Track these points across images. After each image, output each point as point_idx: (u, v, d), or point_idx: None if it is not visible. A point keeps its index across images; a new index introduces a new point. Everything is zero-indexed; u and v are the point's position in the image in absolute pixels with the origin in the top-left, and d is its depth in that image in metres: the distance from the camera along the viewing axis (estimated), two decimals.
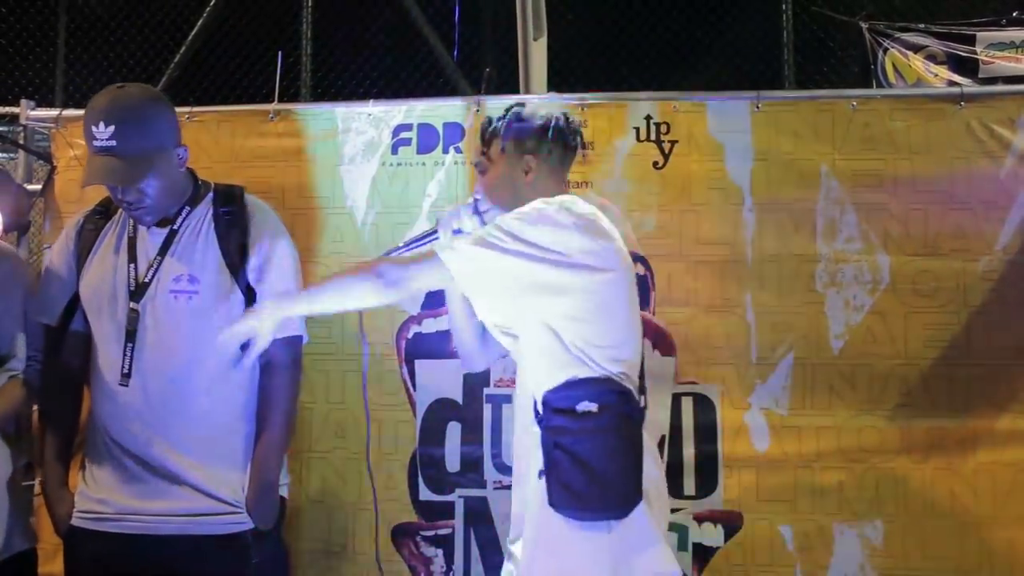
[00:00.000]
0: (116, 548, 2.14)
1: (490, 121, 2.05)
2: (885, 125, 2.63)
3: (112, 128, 2.07)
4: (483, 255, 1.83)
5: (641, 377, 1.93)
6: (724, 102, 2.70)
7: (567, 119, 2.04)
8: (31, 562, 2.45)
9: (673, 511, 2.57)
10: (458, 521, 2.67)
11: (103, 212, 2.31)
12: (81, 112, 2.18)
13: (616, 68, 6.02)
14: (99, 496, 2.17)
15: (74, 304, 2.27)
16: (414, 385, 2.71)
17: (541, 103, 2.54)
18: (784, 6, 5.71)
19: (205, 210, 2.25)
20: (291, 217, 2.64)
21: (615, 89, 3.69)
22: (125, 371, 2.15)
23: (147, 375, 2.15)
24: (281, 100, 2.90)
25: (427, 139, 2.77)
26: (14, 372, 2.32)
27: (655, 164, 2.68)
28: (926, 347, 2.58)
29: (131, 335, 2.16)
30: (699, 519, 2.60)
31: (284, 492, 2.31)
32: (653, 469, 1.90)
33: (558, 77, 3.96)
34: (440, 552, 2.67)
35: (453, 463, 2.69)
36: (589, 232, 1.85)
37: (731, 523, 2.59)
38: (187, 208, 2.24)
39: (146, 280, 2.18)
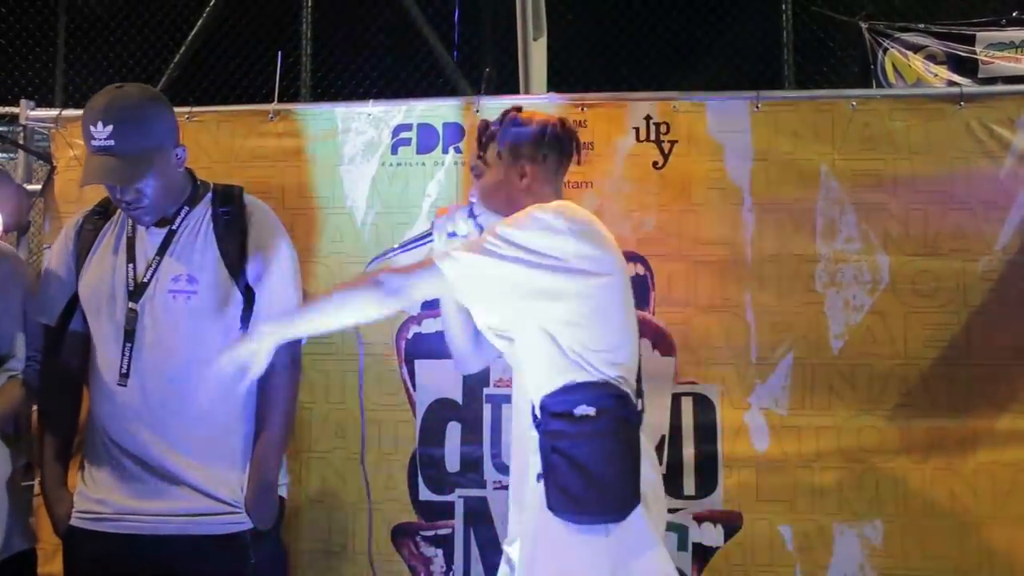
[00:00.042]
0: (115, 548, 2.14)
1: (487, 125, 2.05)
2: (885, 125, 2.63)
3: (110, 128, 2.07)
4: (481, 262, 1.82)
5: (638, 380, 1.93)
6: (724, 102, 2.70)
7: (563, 125, 2.05)
8: (30, 562, 2.45)
9: (673, 511, 2.57)
10: (458, 521, 2.67)
11: (102, 212, 2.31)
12: (81, 112, 2.18)
13: (616, 68, 6.02)
14: (98, 496, 2.17)
15: (73, 304, 2.27)
16: (414, 385, 2.71)
17: (538, 107, 2.55)
18: (784, 6, 5.71)
19: (204, 210, 2.25)
20: (291, 217, 2.64)
21: (615, 89, 3.69)
22: (123, 371, 2.15)
23: (145, 375, 2.15)
24: (281, 100, 2.90)
25: (427, 139, 2.77)
26: (13, 372, 2.32)
27: (655, 164, 2.68)
28: (926, 347, 2.58)
29: (130, 335, 2.16)
30: (699, 519, 2.60)
31: (283, 492, 2.31)
32: (650, 472, 1.91)
33: (558, 77, 3.96)
34: (440, 552, 2.67)
35: (453, 463, 2.69)
36: (585, 237, 1.85)
37: (731, 523, 2.59)
38: (186, 208, 2.24)
39: (145, 280, 2.18)
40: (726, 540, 2.59)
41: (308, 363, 2.59)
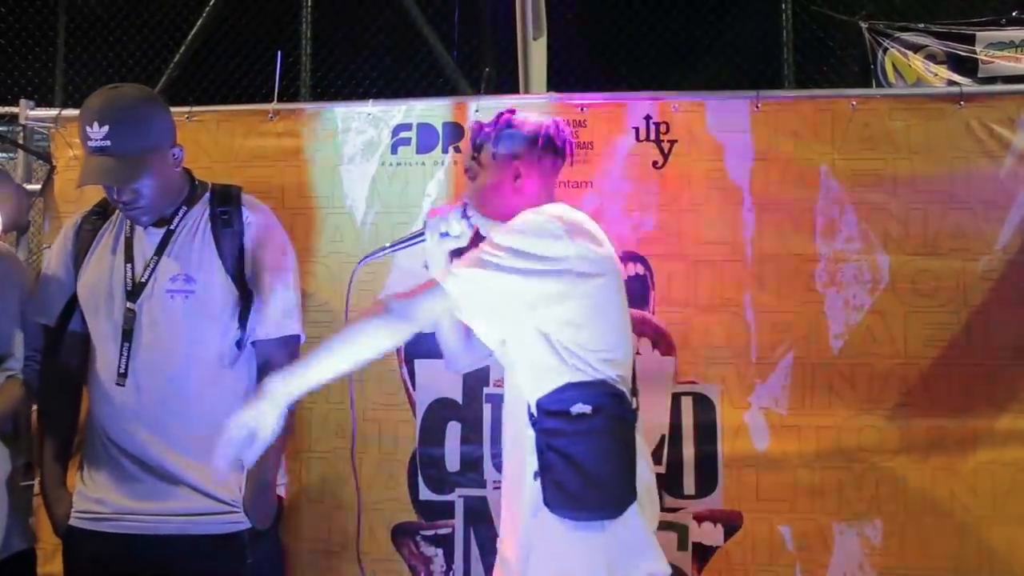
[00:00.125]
0: (114, 548, 2.14)
1: (481, 127, 2.05)
2: (885, 125, 2.63)
3: (106, 128, 2.08)
4: (482, 276, 1.82)
5: (633, 379, 1.93)
6: (723, 102, 2.70)
7: (557, 127, 2.05)
8: (30, 562, 2.45)
9: (673, 510, 2.58)
10: (458, 521, 2.67)
11: (101, 213, 2.31)
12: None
13: (616, 68, 6.02)
14: (97, 496, 2.18)
15: (72, 304, 2.27)
16: (414, 385, 2.71)
17: (538, 107, 2.55)
18: (784, 6, 5.71)
19: (202, 210, 2.25)
20: (290, 217, 2.64)
21: (615, 89, 3.69)
22: (121, 371, 2.16)
23: (144, 375, 2.16)
24: (281, 100, 2.90)
25: (426, 139, 2.77)
26: (12, 372, 2.32)
27: (654, 164, 2.68)
28: (926, 347, 2.57)
29: (128, 335, 2.16)
30: (699, 518, 2.60)
31: (281, 492, 2.31)
32: (646, 473, 1.92)
33: (558, 77, 3.96)
34: (440, 552, 2.67)
35: (453, 463, 2.68)
36: (582, 238, 1.86)
37: (731, 522, 2.59)
38: (184, 208, 2.24)
39: (143, 280, 2.19)
40: (726, 539, 2.59)
41: None
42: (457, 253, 2.47)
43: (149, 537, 2.14)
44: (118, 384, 2.16)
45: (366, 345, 1.83)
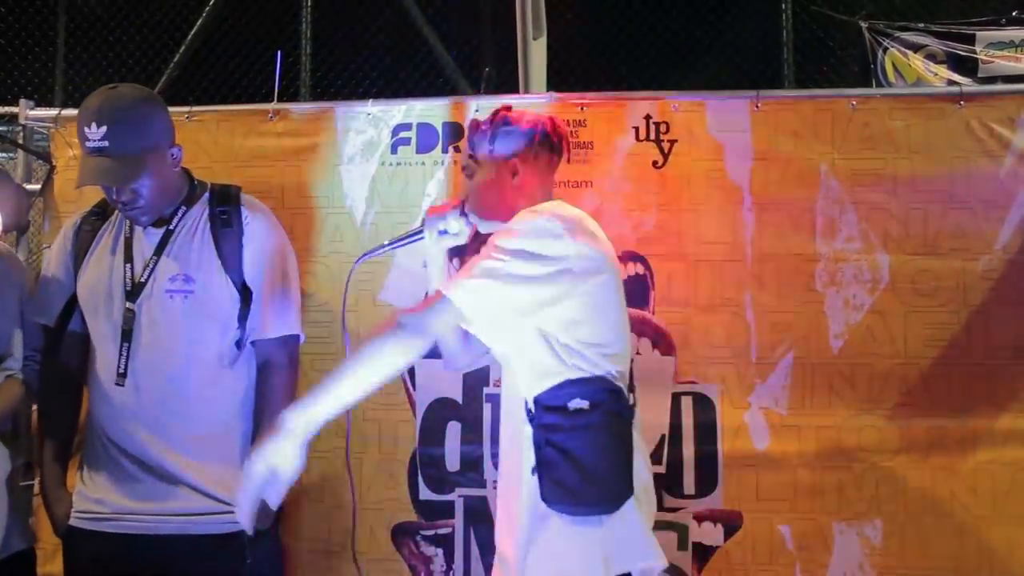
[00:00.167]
0: (114, 548, 2.14)
1: (477, 125, 2.05)
2: (885, 124, 2.63)
3: (104, 129, 2.08)
4: (489, 287, 1.82)
5: (630, 376, 1.94)
6: (724, 101, 2.70)
7: (554, 124, 2.05)
8: (29, 562, 2.46)
9: (673, 510, 2.58)
10: (458, 520, 2.67)
11: (100, 213, 2.31)
12: None
13: (616, 68, 6.02)
14: (96, 496, 2.18)
15: (72, 305, 2.27)
16: (414, 385, 2.71)
17: (538, 107, 2.55)
18: (784, 5, 5.72)
19: (201, 210, 2.25)
20: (290, 217, 2.64)
21: (615, 89, 3.69)
22: (121, 371, 2.16)
23: (143, 375, 2.16)
24: (280, 100, 2.89)
25: (426, 138, 2.76)
26: (11, 371, 2.32)
27: (655, 163, 2.68)
28: (926, 346, 2.57)
29: (127, 335, 2.17)
30: (699, 518, 2.60)
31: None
32: (643, 471, 1.92)
33: (558, 77, 3.96)
34: (440, 551, 2.67)
35: (453, 462, 2.68)
36: (581, 236, 1.86)
37: (731, 522, 2.59)
38: (183, 208, 2.24)
39: (142, 280, 2.19)
40: (726, 539, 2.59)
41: (308, 363, 2.59)
42: (456, 251, 2.48)
43: (149, 537, 2.14)
44: (117, 384, 2.16)
45: (383, 364, 1.80)
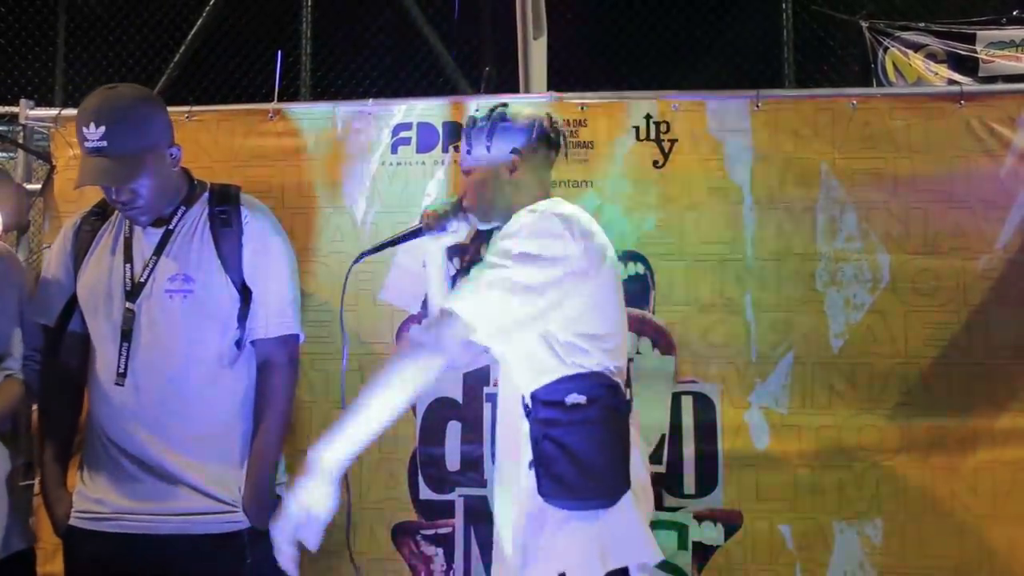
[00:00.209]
0: (114, 548, 2.14)
1: (474, 122, 2.06)
2: (885, 124, 2.63)
3: (103, 129, 2.07)
4: (495, 298, 1.82)
5: (627, 373, 1.95)
6: (724, 101, 2.70)
7: (551, 119, 2.06)
8: (29, 562, 2.45)
9: (673, 509, 2.58)
10: (458, 520, 2.67)
11: (100, 213, 2.31)
12: None
13: (616, 68, 6.02)
14: (96, 496, 2.18)
15: (72, 305, 2.27)
16: None
17: (538, 106, 2.54)
18: (784, 5, 5.72)
19: (201, 210, 2.25)
20: (290, 216, 2.64)
21: (615, 88, 3.69)
22: (121, 371, 2.15)
23: (143, 375, 2.15)
24: (280, 99, 2.89)
25: (427, 138, 2.76)
26: (10, 371, 2.32)
27: (655, 163, 2.68)
28: (926, 346, 2.57)
29: (127, 335, 2.16)
30: (699, 518, 2.60)
31: (281, 491, 2.31)
32: (640, 468, 1.92)
33: (558, 77, 3.96)
34: (440, 551, 2.67)
35: (453, 462, 2.68)
36: (580, 234, 1.87)
37: (731, 522, 2.59)
38: (183, 208, 2.24)
39: (142, 280, 2.18)
40: (726, 539, 2.59)
41: (308, 362, 2.59)
42: (456, 251, 2.48)
43: (149, 537, 2.14)
44: (117, 384, 2.16)
45: (407, 385, 1.81)
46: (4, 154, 4.54)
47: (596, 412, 1.84)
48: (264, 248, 2.25)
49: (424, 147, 2.76)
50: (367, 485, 2.66)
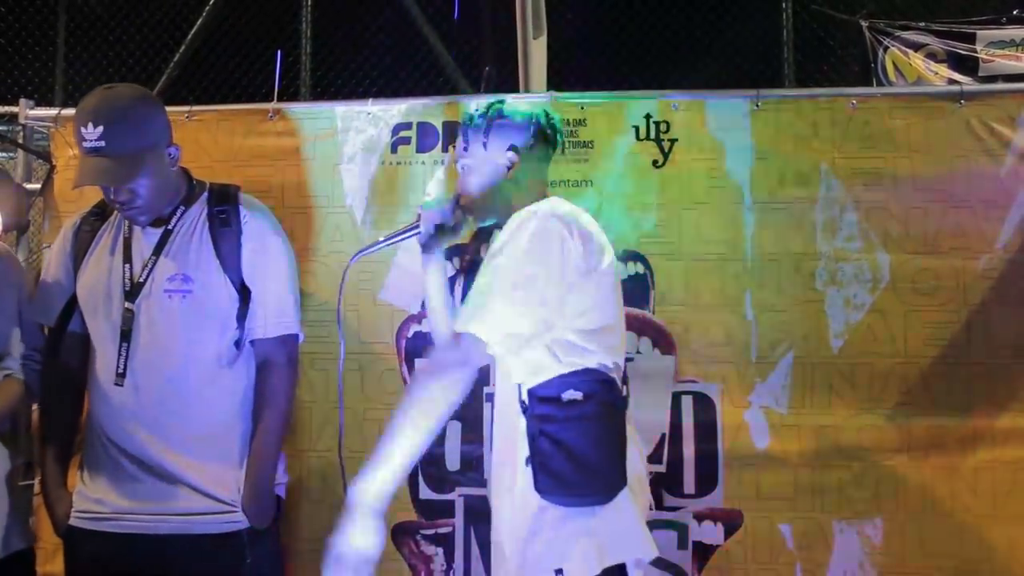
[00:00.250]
0: (114, 548, 2.14)
1: (471, 119, 2.05)
2: (885, 123, 2.63)
3: (101, 129, 2.07)
4: (498, 310, 1.82)
5: (624, 369, 1.95)
6: (724, 101, 2.70)
7: (548, 116, 2.06)
8: (28, 561, 2.46)
9: (673, 509, 2.58)
10: (458, 520, 2.67)
11: (99, 213, 2.31)
12: None
13: (616, 67, 6.02)
14: (96, 496, 2.18)
15: (72, 305, 2.27)
16: None
17: (523, 100, 2.54)
18: (784, 5, 5.72)
19: (200, 210, 2.25)
20: (290, 216, 2.64)
21: (615, 88, 3.69)
22: (120, 371, 2.15)
23: (142, 375, 2.15)
24: (280, 99, 2.89)
25: (426, 138, 2.76)
26: (9, 371, 2.32)
27: (655, 163, 2.68)
28: (926, 346, 2.57)
29: (126, 335, 2.16)
30: (699, 517, 2.60)
31: (281, 491, 2.31)
32: (637, 464, 1.92)
33: (558, 76, 3.96)
34: (440, 551, 2.67)
35: (453, 462, 2.68)
36: (579, 233, 1.87)
37: (731, 521, 2.59)
38: (182, 208, 2.24)
39: (141, 280, 2.18)
40: (726, 538, 2.59)
41: (307, 362, 2.59)
42: (456, 251, 2.48)
43: (149, 537, 2.14)
44: (117, 384, 2.16)
45: (437, 406, 1.81)
46: (4, 154, 4.54)
47: (593, 408, 1.84)
48: (263, 248, 2.25)
49: (424, 147, 2.76)
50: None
